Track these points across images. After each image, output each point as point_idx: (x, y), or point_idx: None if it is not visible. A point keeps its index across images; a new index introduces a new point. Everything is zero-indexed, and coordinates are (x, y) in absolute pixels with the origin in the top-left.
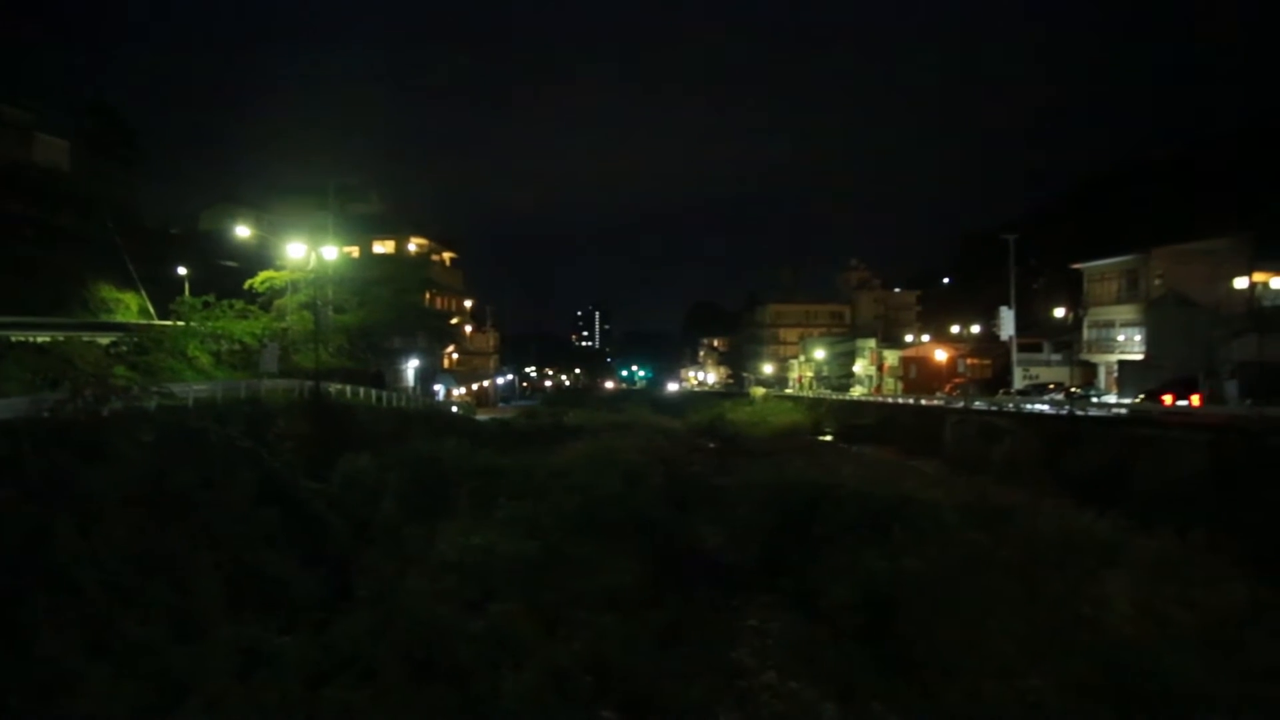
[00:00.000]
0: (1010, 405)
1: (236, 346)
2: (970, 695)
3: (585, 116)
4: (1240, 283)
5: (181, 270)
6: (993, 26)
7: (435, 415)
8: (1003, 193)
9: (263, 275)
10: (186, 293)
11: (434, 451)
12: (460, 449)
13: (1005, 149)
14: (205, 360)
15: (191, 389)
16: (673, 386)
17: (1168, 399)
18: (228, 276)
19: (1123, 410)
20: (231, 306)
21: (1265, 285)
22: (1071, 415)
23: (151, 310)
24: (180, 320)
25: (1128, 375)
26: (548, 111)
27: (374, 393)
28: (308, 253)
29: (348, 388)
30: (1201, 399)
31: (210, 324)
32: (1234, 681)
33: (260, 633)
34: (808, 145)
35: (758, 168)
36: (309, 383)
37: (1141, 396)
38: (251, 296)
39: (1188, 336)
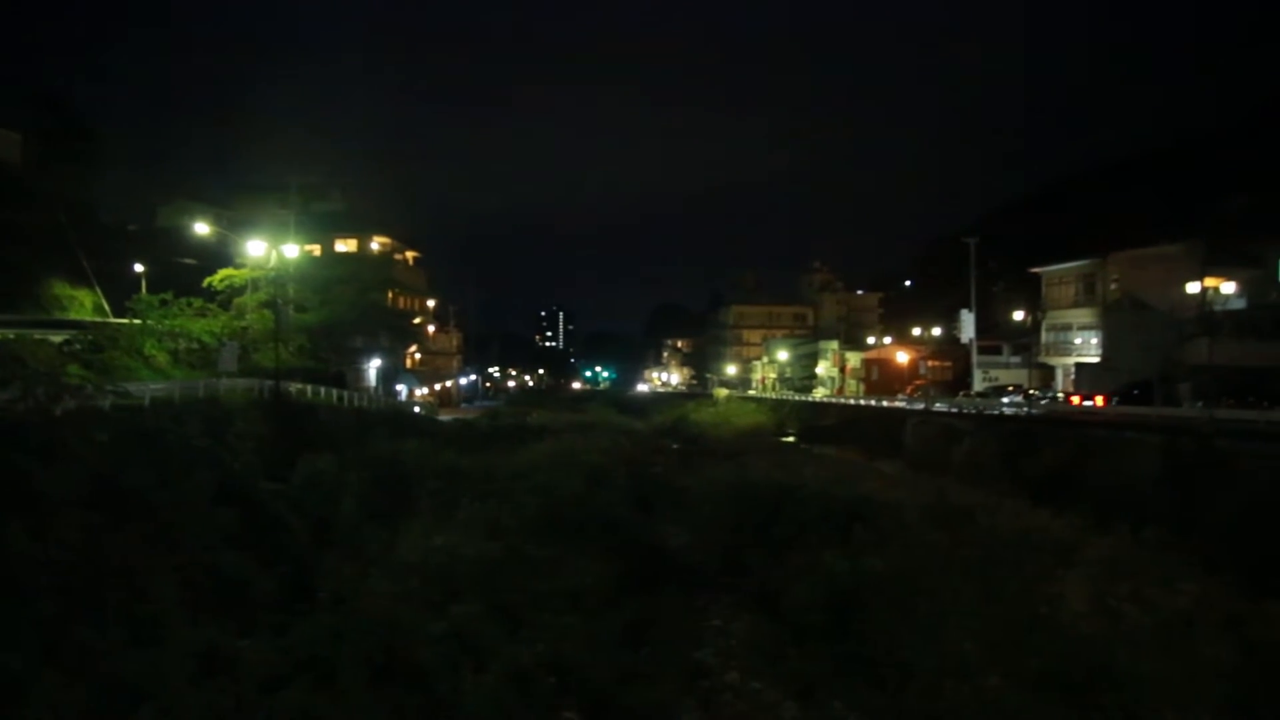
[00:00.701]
0: (970, 407)
1: (195, 345)
2: (930, 693)
3: (549, 117)
4: (1193, 287)
5: (138, 267)
6: (957, 32)
7: (397, 415)
8: (964, 196)
9: (222, 273)
10: (143, 290)
11: (396, 452)
12: (422, 449)
13: (966, 153)
14: (162, 359)
15: (148, 388)
16: (643, 388)
17: (1075, 399)
18: (186, 274)
19: (1038, 410)
20: (190, 305)
21: (1216, 290)
22: (1029, 416)
23: (107, 308)
24: (137, 318)
25: (1084, 377)
26: (513, 112)
27: (335, 393)
28: (268, 251)
29: (309, 387)
30: (1106, 400)
31: (168, 322)
32: (1184, 677)
33: (217, 635)
34: (771, 149)
35: (721, 171)
36: (269, 382)
37: (1057, 396)
38: (210, 295)
39: (1143, 340)
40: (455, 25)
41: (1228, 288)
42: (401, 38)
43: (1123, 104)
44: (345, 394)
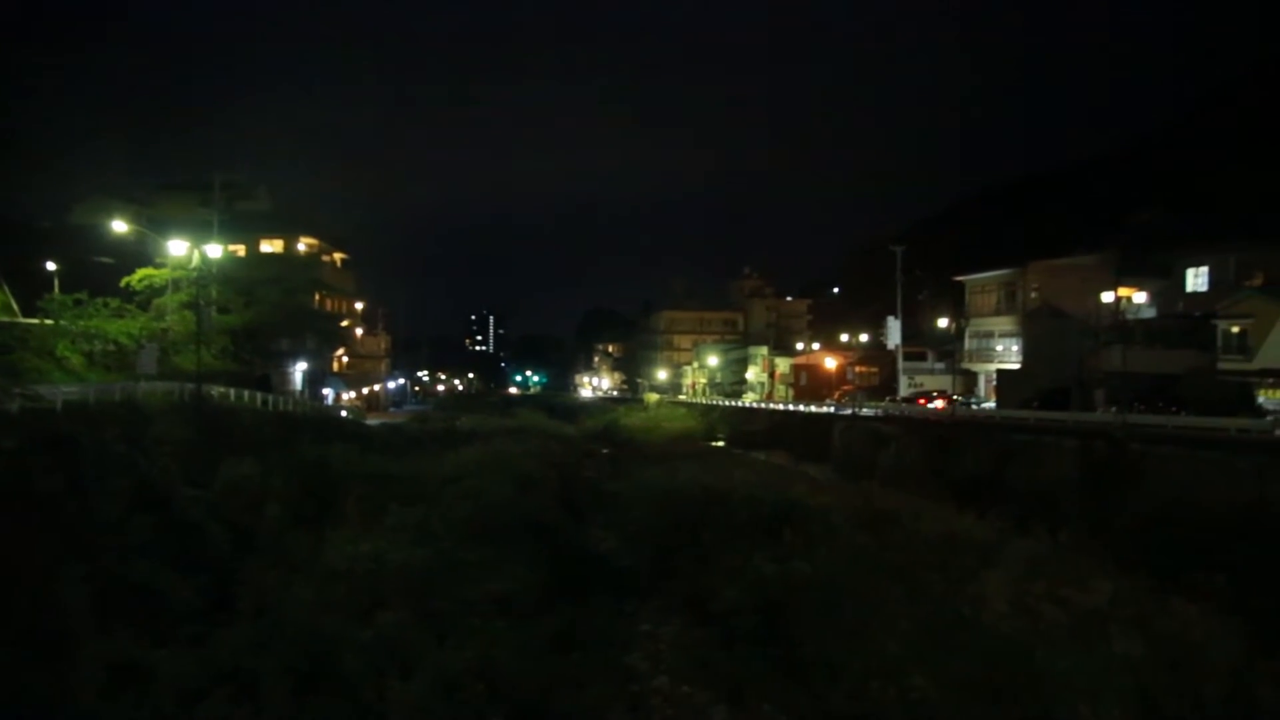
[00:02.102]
0: (896, 412)
1: (111, 347)
2: (856, 694)
3: (482, 122)
4: (1107, 296)
5: (51, 265)
6: (894, 42)
7: (323, 419)
8: (891, 205)
9: (141, 273)
10: (56, 289)
11: (321, 456)
12: (349, 454)
13: (893, 163)
14: (76, 361)
15: (60, 391)
16: (586, 394)
17: (920, 401)
18: (103, 273)
19: (896, 410)
20: (106, 305)
21: (1128, 299)
22: (953, 421)
23: (15, 307)
24: (49, 318)
25: (1005, 384)
26: (446, 117)
27: (259, 396)
28: (190, 250)
29: (231, 391)
30: (946, 402)
31: (82, 323)
32: (1097, 672)
33: (131, 647)
34: (705, 157)
35: (653, 176)
36: (190, 385)
37: (905, 399)
38: (129, 295)
39: (1060, 347)
40: (399, 23)
41: (1139, 297)
42: (335, 34)
43: (1045, 120)
44: (270, 397)
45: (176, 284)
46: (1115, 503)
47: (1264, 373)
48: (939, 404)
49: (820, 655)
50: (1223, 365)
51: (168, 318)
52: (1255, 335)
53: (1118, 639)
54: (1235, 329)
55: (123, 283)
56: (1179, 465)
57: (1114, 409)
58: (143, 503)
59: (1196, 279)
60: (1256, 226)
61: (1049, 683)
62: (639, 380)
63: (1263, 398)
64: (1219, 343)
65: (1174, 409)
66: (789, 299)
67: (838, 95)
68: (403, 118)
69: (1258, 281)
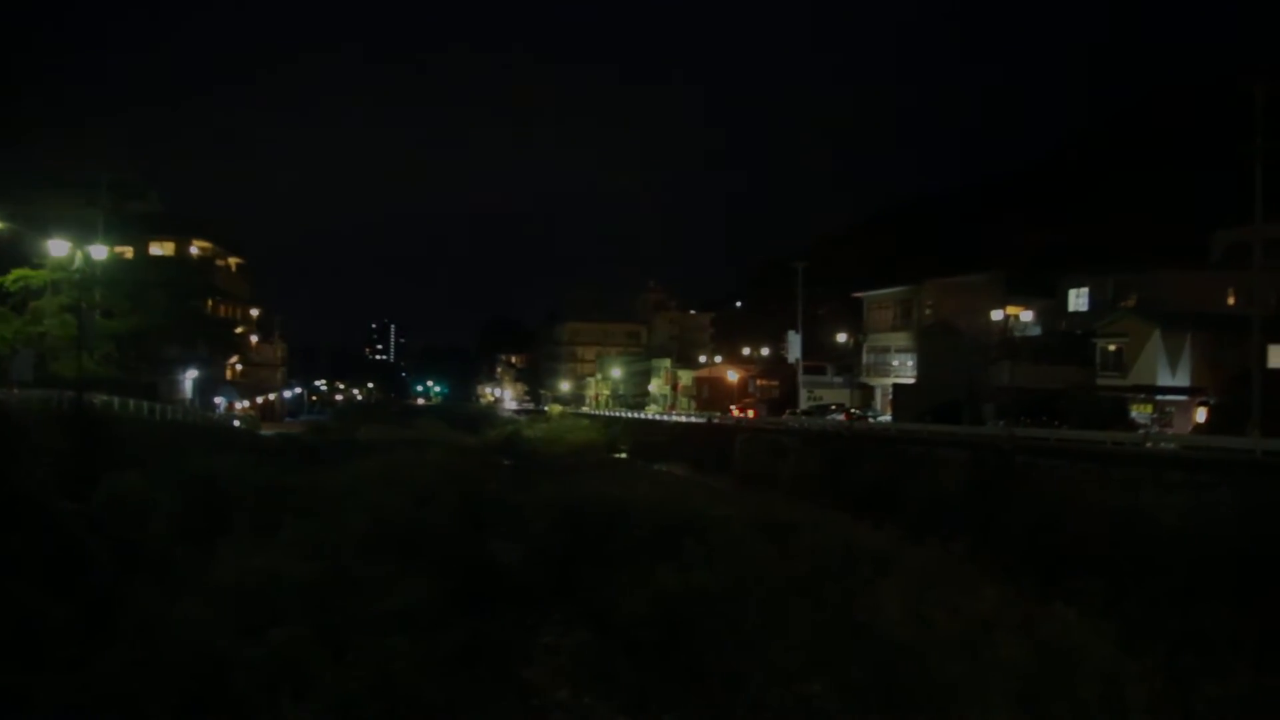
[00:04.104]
0: (796, 424)
1: None
2: (758, 703)
3: (380, 126)
4: (997, 314)
5: None
6: (801, 58)
7: (215, 429)
8: (795, 220)
9: (16, 273)
10: None
11: (212, 468)
12: (241, 465)
13: (803, 177)
14: None
15: None
16: (509, 405)
17: (735, 410)
18: None
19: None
20: None
21: (1016, 318)
22: (853, 433)
23: None
24: None
25: (901, 397)
26: (348, 120)
27: (146, 405)
28: (73, 251)
29: (115, 399)
30: (756, 413)
31: None
32: (984, 677)
33: (3, 672)
34: (608, 166)
35: (558, 188)
36: (70, 394)
37: (721, 412)
38: (1, 297)
39: (953, 362)
40: (292, 25)
41: (1026, 316)
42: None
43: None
44: (157, 406)
45: (56, 286)
46: (1003, 512)
47: (1136, 388)
48: (750, 414)
49: (722, 664)
50: (1101, 381)
51: (45, 321)
52: (1129, 353)
53: (1004, 644)
54: (1112, 347)
55: None
56: (1061, 476)
57: (1002, 422)
58: (14, 518)
59: (1078, 299)
60: (1134, 249)
61: (941, 688)
62: (542, 391)
63: (1135, 412)
64: (1098, 360)
65: (1057, 423)
66: (692, 312)
67: (741, 106)
68: (295, 123)
69: (1131, 302)
